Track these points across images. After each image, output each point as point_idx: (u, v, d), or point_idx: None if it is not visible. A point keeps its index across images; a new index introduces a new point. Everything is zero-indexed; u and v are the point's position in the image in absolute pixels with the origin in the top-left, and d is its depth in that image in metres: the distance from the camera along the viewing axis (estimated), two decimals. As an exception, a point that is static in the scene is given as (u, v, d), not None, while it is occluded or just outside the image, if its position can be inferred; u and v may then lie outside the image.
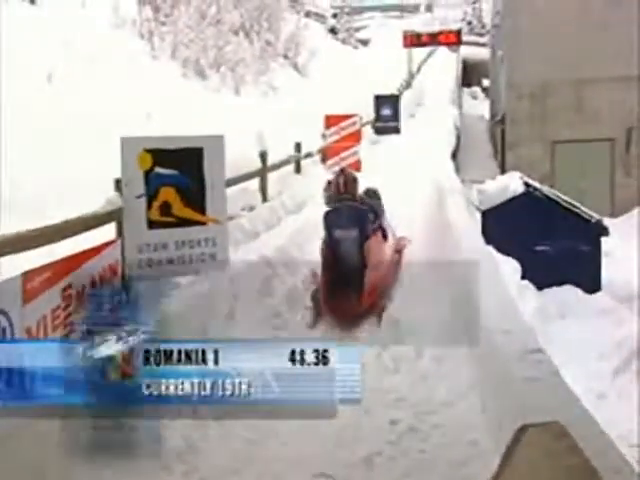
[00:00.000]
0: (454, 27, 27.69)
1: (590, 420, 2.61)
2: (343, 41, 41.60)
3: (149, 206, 4.98)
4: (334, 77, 27.52)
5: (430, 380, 4.29)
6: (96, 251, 3.66)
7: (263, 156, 8.31)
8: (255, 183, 8.38)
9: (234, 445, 3.60)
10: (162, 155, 4.99)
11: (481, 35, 47.79)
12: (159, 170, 4.98)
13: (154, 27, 21.28)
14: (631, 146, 15.23)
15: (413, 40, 25.66)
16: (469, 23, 60.35)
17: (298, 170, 10.69)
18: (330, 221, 5.88)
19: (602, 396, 6.42)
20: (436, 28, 28.54)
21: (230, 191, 7.50)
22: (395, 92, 20.79)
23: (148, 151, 4.92)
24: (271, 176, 8.95)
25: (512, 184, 9.57)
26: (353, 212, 5.85)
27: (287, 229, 7.09)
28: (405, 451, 3.50)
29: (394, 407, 4.02)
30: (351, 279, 5.57)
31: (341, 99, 19.52)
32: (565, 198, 9.36)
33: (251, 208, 7.73)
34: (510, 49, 16.54)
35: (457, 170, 17.12)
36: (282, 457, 3.48)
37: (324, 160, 12.22)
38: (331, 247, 5.80)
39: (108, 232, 4.97)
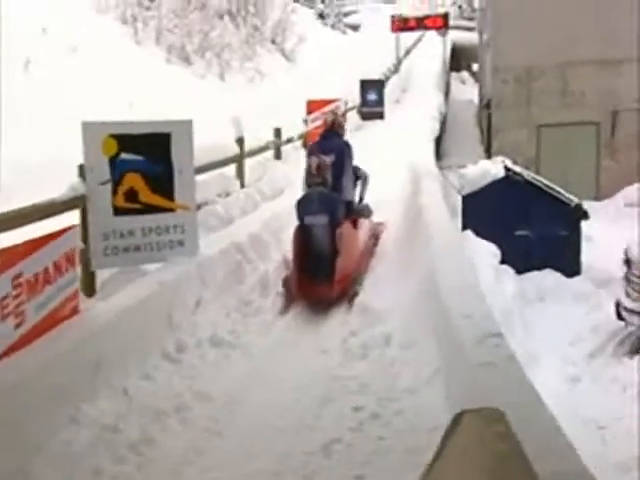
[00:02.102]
0: (442, 11, 27.48)
1: (539, 404, 2.58)
2: (332, 26, 41.26)
3: (114, 192, 4.92)
4: (322, 63, 27.35)
5: (397, 366, 4.26)
6: (51, 238, 3.59)
7: (240, 142, 8.22)
8: (234, 169, 8.30)
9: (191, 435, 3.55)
10: (128, 140, 4.92)
11: (471, 19, 47.56)
12: (125, 156, 4.92)
13: (137, 12, 21.04)
14: (616, 129, 15.19)
15: (400, 25, 25.49)
16: (459, 7, 60.07)
17: (278, 156, 10.60)
18: (301, 207, 5.84)
19: (576, 379, 6.44)
20: (424, 12, 28.31)
21: (207, 177, 7.45)
22: (381, 77, 20.64)
23: (113, 136, 4.85)
24: (250, 162, 8.87)
25: (493, 169, 9.54)
26: (324, 198, 5.80)
27: (262, 216, 7.02)
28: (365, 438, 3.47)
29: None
30: (322, 265, 5.54)
31: (328, 85, 19.41)
32: (545, 182, 9.32)
33: (227, 194, 7.65)
34: (495, 33, 16.43)
35: (443, 155, 17.10)
36: (240, 446, 3.44)
37: (305, 145, 12.13)
38: (302, 233, 5.75)
39: (74, 220, 4.93)
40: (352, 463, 3.20)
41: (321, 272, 5.51)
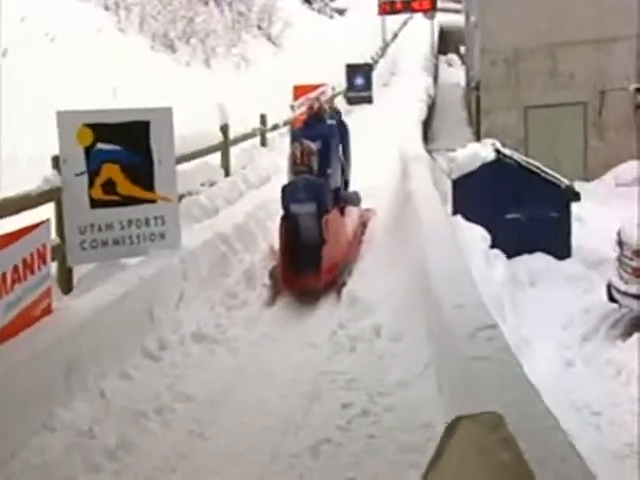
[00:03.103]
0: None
1: (537, 401, 2.44)
2: (319, 11, 40.79)
3: (91, 184, 4.74)
4: (309, 48, 27.02)
5: (387, 360, 4.11)
6: (21, 234, 3.40)
7: (224, 129, 8.02)
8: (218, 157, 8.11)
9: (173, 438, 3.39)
10: (104, 130, 4.73)
11: (459, 2, 47.22)
12: (101, 146, 4.73)
13: (120, -1, 20.66)
14: (604, 109, 15.05)
15: (387, 8, 25.17)
16: (446, -11, 59.64)
17: (264, 143, 10.39)
18: (286, 195, 5.65)
19: (570, 363, 6.34)
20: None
21: (191, 166, 7.25)
22: (368, 61, 20.40)
23: (88, 126, 4.66)
24: (236, 150, 8.66)
25: (482, 151, 9.38)
26: (310, 185, 5.62)
27: (248, 205, 6.84)
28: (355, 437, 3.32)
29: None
30: (309, 255, 5.37)
31: (315, 69, 19.13)
32: (536, 164, 9.19)
33: (212, 183, 7.46)
34: (482, 15, 16.23)
35: (432, 138, 16.93)
36: (224, 449, 3.29)
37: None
38: (288, 222, 5.58)
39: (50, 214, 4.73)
40: (342, 464, 3.06)
41: (308, 262, 5.34)
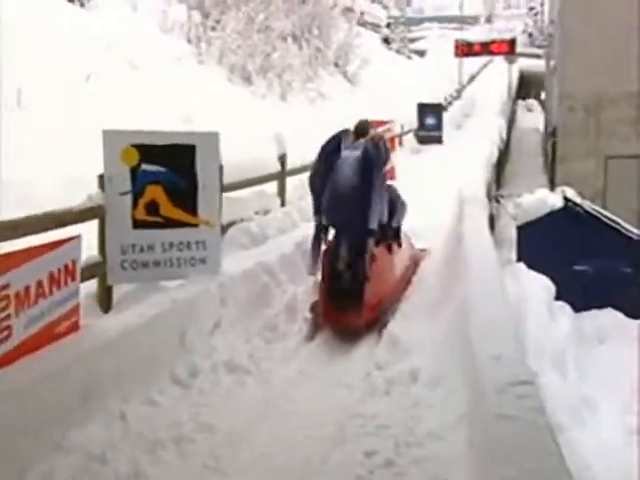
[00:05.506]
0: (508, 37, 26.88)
1: (561, 470, 2.16)
2: (397, 51, 41.13)
3: (135, 204, 4.71)
4: (384, 86, 27.12)
5: (421, 408, 3.84)
6: (48, 248, 3.36)
7: (282, 159, 7.98)
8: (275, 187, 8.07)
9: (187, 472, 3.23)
10: (150, 151, 4.71)
11: (541, 47, 46.71)
12: (146, 167, 4.71)
13: (202, 32, 21.30)
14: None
15: (464, 49, 25.01)
16: (530, 35, 59.10)
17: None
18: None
19: (634, 432, 5.83)
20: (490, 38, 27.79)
21: (246, 193, 7.22)
22: (441, 102, 20.23)
23: (134, 146, 4.65)
24: (294, 180, 8.59)
25: (550, 198, 9.01)
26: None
27: (298, 235, 6.70)
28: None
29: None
30: (351, 291, 5.16)
31: (389, 108, 19.10)
32: (607, 214, 8.72)
33: (266, 212, 7.39)
34: (562, 59, 15.84)
35: (504, 183, 16.50)
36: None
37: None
38: (333, 253, 5.38)
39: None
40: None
41: (350, 298, 5.13)
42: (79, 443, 3.25)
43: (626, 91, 14.67)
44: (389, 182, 6.05)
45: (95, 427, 3.42)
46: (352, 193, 5.16)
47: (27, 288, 3.22)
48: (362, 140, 5.53)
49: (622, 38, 14.27)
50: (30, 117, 9.74)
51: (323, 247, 5.39)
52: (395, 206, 5.86)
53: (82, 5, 18.06)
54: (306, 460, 3.36)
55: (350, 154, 5.35)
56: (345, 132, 5.61)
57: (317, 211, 5.39)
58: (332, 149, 5.42)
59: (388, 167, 11.60)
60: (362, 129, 5.73)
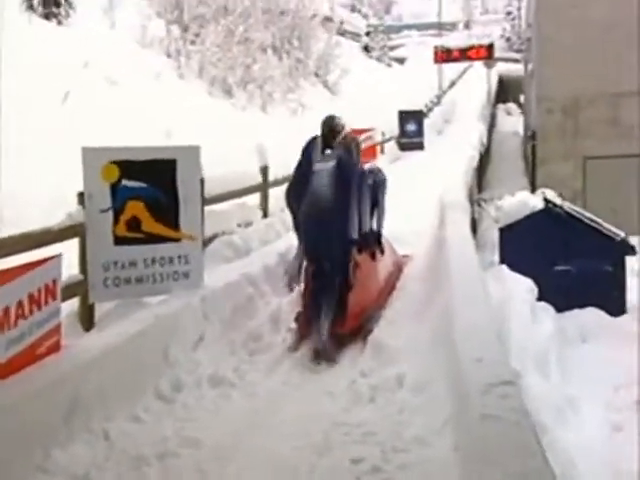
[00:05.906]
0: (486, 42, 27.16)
1: (544, 469, 2.18)
2: (377, 59, 41.39)
3: (116, 221, 4.71)
4: (365, 95, 27.25)
5: (406, 413, 3.86)
6: (27, 268, 3.35)
7: (264, 171, 8.00)
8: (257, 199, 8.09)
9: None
10: (130, 167, 4.72)
11: (520, 52, 47.20)
12: (126, 183, 4.71)
13: (182, 46, 21.35)
14: (665, 162, 14.49)
15: (444, 56, 25.25)
16: (508, 40, 59.71)
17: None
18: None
19: (618, 428, 5.88)
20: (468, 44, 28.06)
21: (228, 206, 7.23)
22: (422, 108, 20.37)
23: (114, 163, 4.66)
24: (276, 192, 8.60)
25: (531, 200, 9.08)
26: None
27: (282, 246, 6.71)
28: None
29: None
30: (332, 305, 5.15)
31: (370, 116, 19.19)
32: (588, 215, 8.81)
33: (248, 224, 7.40)
34: (539, 62, 16.00)
35: (486, 187, 16.63)
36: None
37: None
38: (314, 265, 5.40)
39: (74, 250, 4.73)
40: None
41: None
42: (63, 464, 3.23)
43: (603, 92, 14.85)
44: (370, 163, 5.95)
45: (79, 446, 3.40)
46: (331, 207, 5.02)
47: (7, 309, 3.21)
48: (334, 142, 5.29)
49: (598, 39, 14.46)
50: (7, 136, 9.71)
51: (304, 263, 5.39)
52: (378, 202, 5.85)
53: (59, 23, 18.05)
54: (294, 470, 3.36)
55: (323, 167, 5.15)
56: (313, 142, 5.35)
57: (297, 227, 5.36)
58: (306, 162, 5.27)
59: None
60: (329, 129, 5.36)
